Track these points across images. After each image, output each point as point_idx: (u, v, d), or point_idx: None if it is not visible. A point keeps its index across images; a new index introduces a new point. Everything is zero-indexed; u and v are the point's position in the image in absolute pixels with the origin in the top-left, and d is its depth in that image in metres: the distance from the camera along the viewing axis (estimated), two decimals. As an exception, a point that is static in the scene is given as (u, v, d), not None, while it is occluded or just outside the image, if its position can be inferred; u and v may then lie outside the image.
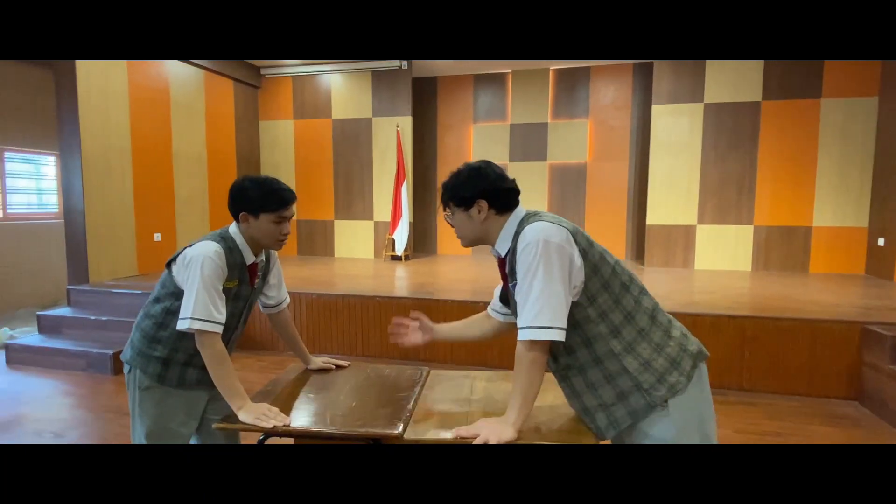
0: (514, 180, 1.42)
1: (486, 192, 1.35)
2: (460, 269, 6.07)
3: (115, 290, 4.40)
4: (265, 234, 1.66)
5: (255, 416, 1.48)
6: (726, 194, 6.02)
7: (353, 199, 7.02)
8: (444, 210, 1.47)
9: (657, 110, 6.10)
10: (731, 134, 5.96)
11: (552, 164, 7.06)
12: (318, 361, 1.97)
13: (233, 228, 1.69)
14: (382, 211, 6.84)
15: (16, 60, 5.48)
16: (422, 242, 7.62)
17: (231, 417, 1.52)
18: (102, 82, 4.80)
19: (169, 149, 5.62)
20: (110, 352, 3.78)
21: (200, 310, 1.51)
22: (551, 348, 1.32)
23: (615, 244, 6.95)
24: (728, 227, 6.05)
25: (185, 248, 1.63)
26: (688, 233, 6.14)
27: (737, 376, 3.56)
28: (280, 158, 7.18)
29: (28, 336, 4.24)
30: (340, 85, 6.91)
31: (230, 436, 1.79)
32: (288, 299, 2.00)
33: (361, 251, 7.04)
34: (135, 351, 1.68)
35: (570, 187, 7.03)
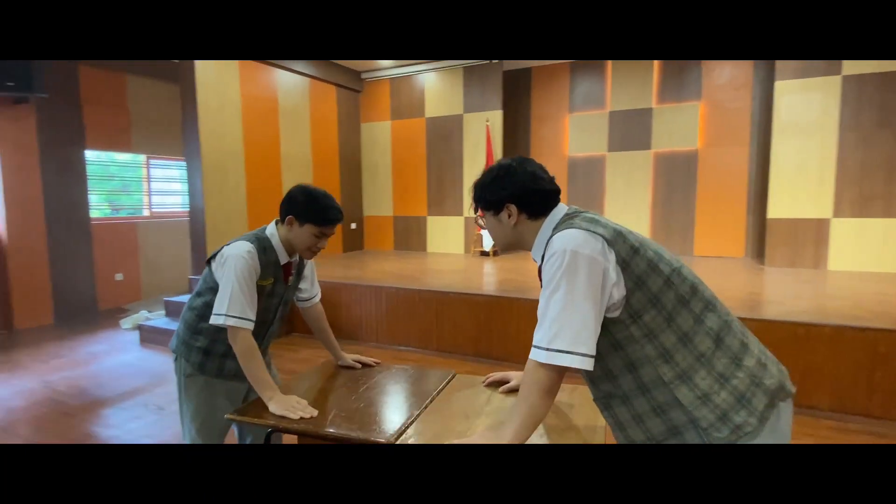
0: (551, 179, 1.24)
1: (516, 195, 1.21)
2: None
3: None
4: (302, 242, 1.71)
5: (285, 407, 1.52)
6: (871, 182, 5.01)
7: (444, 196, 7.08)
8: (475, 212, 1.37)
9: (781, 87, 5.26)
10: (878, 110, 4.93)
11: (657, 152, 6.45)
12: (348, 358, 1.99)
13: (270, 229, 1.75)
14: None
15: (151, 78, 6.35)
16: (515, 238, 7.45)
17: (245, 409, 1.59)
18: (219, 95, 5.36)
19: (277, 152, 6.13)
20: (215, 336, 4.24)
21: (233, 307, 1.59)
22: (589, 373, 1.15)
23: (732, 241, 6.16)
24: (873, 222, 5.03)
25: (223, 246, 1.73)
26: (820, 228, 5.22)
27: (863, 401, 2.95)
28: (378, 158, 7.48)
29: (158, 318, 4.91)
30: (434, 83, 6.99)
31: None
32: (319, 294, 2.05)
33: (453, 246, 7.09)
34: (179, 340, 1.83)
35: (678, 177, 6.37)
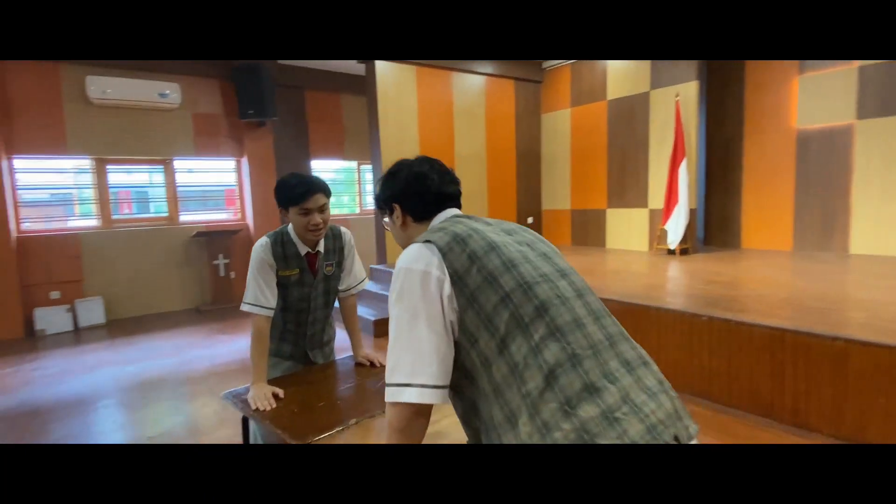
0: (444, 181, 1.11)
1: (398, 196, 1.12)
2: (763, 269, 4.55)
3: (391, 270, 5.42)
4: (298, 226, 1.75)
5: (254, 395, 1.66)
6: None
7: (626, 186, 6.30)
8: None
9: None
10: None
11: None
12: (360, 356, 2.00)
13: (290, 225, 1.88)
14: (659, 197, 5.92)
15: (359, 95, 7.33)
16: (719, 232, 6.19)
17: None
18: (397, 102, 5.86)
19: (451, 151, 6.40)
20: (372, 319, 4.73)
21: (249, 295, 1.77)
22: (455, 409, 1.01)
23: None
24: None
25: None
26: None
27: None
28: (557, 148, 7.12)
29: (343, 301, 5.71)
30: (617, 61, 6.30)
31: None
32: (358, 287, 2.07)
33: (635, 242, 6.28)
34: None
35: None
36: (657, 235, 5.78)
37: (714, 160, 6.02)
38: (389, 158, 5.61)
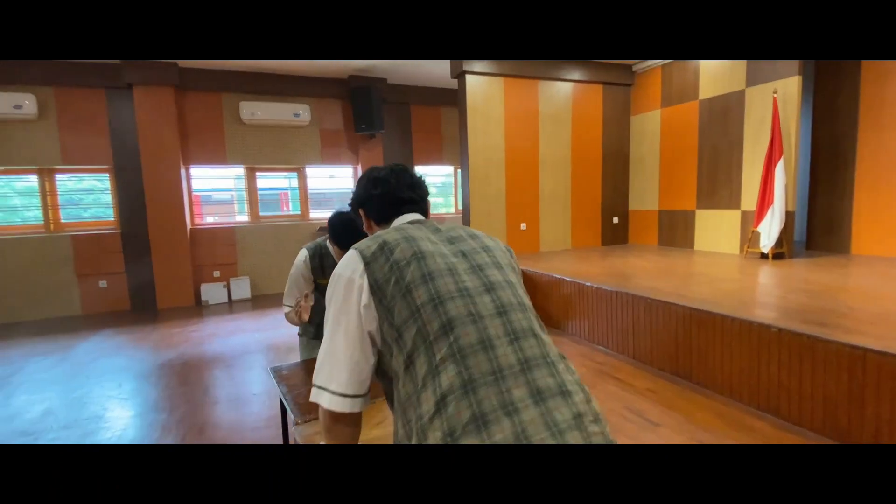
0: (401, 186, 1.07)
1: (360, 200, 1.11)
2: (865, 278, 3.83)
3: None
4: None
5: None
6: None
7: (717, 186, 5.58)
8: None
9: None
10: None
11: None
12: None
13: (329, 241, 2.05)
14: (752, 198, 5.12)
15: (450, 106, 7.37)
16: (825, 236, 5.20)
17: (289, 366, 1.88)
18: (485, 112, 5.84)
19: (536, 156, 6.20)
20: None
21: (285, 297, 2.06)
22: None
23: None
24: None
25: None
26: None
27: None
28: (646, 150, 6.52)
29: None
30: (710, 61, 5.55)
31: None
32: None
33: (725, 245, 5.53)
34: None
35: None
36: (749, 238, 5.05)
37: (820, 159, 5.10)
38: (477, 163, 5.62)
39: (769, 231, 4.74)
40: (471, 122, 5.75)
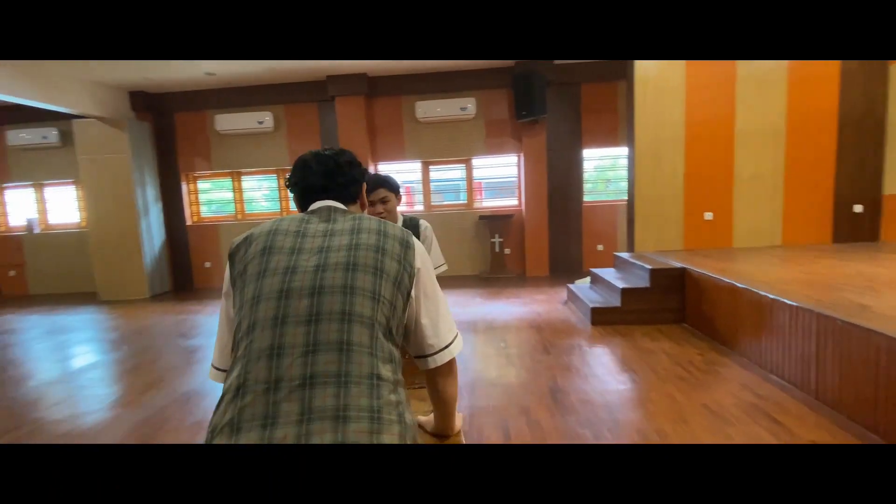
0: (307, 171, 1.03)
1: (288, 188, 1.16)
2: None
3: (631, 261, 4.66)
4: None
5: None
6: None
7: None
8: None
9: None
10: None
11: None
12: None
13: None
14: None
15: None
16: None
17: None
18: (658, 81, 4.93)
19: (731, 130, 4.93)
20: (591, 306, 4.26)
21: None
22: None
23: None
24: None
25: None
26: None
27: None
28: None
29: (583, 286, 5.27)
30: None
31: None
32: (437, 272, 1.99)
33: None
34: None
35: None
36: None
37: None
38: (644, 142, 4.88)
39: None
40: (639, 94, 4.96)
